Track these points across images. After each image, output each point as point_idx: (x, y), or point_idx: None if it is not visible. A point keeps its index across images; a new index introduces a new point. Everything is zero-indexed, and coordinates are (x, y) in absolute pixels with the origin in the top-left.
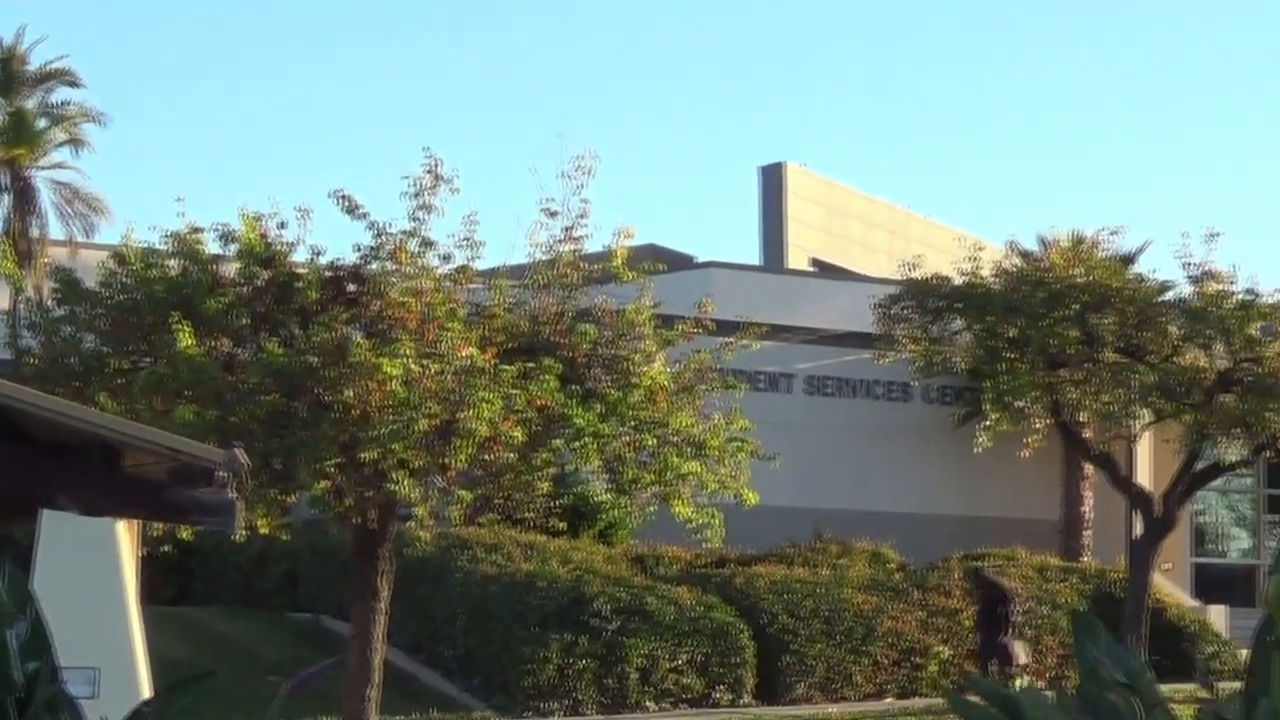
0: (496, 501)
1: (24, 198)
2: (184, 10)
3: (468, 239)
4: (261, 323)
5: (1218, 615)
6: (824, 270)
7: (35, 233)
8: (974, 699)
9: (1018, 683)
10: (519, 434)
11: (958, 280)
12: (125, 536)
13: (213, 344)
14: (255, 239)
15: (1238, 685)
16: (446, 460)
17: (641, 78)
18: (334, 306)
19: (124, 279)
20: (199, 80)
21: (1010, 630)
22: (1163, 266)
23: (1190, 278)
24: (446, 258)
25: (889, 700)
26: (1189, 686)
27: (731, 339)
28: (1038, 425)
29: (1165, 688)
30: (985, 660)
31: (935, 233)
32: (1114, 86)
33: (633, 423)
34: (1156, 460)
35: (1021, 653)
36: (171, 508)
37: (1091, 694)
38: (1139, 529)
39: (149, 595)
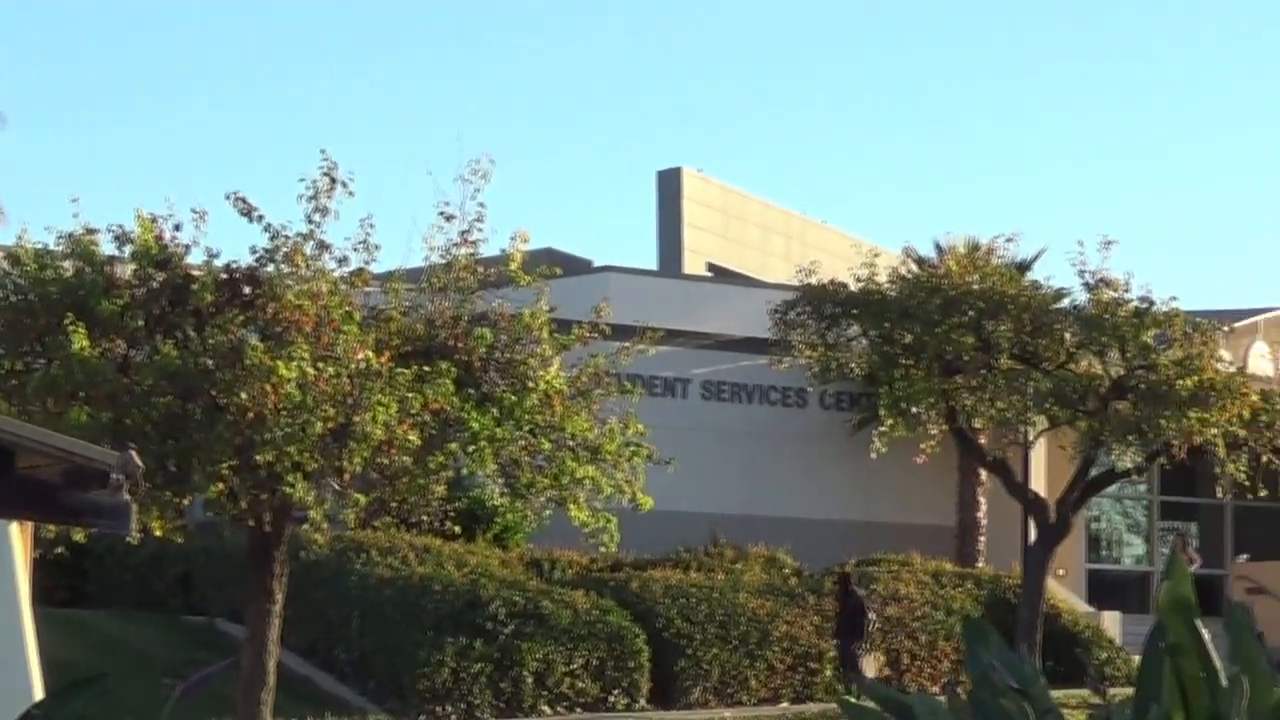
0: (392, 505)
1: None
2: (76, 11)
3: (364, 242)
4: (156, 325)
5: (1111, 621)
6: (721, 276)
7: None
8: (867, 704)
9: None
10: (414, 437)
11: (854, 286)
12: (18, 538)
13: (107, 346)
14: (151, 241)
15: (1130, 691)
16: (342, 463)
17: (540, 81)
18: (229, 309)
19: (17, 280)
20: (95, 81)
21: (865, 643)
22: (1058, 274)
23: (1085, 285)
24: (342, 261)
25: (784, 705)
26: (1082, 692)
27: (628, 344)
28: (933, 431)
29: (1058, 693)
30: (846, 668)
31: (832, 239)
32: (1008, 93)
33: (528, 427)
34: (1051, 467)
35: (869, 667)
36: (65, 509)
37: (984, 700)
38: (1034, 535)
39: (42, 597)
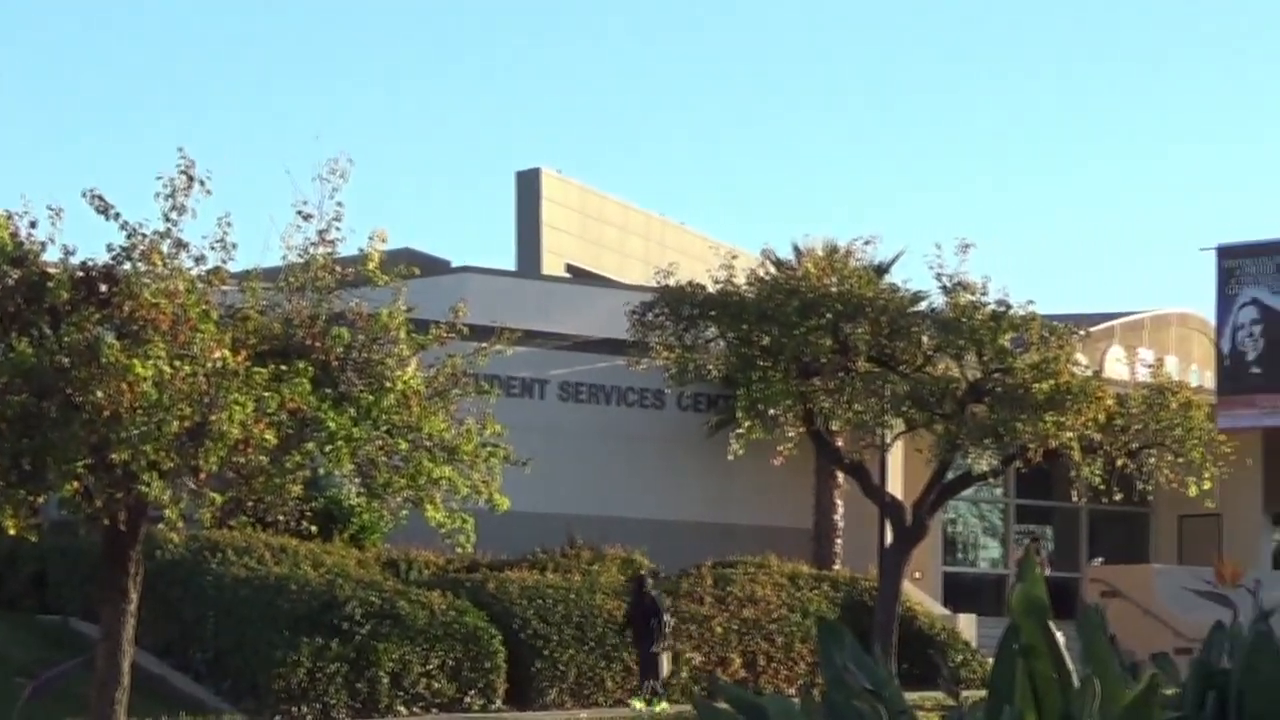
0: (248, 504)
1: None
2: None
3: (221, 240)
4: (11, 322)
5: (967, 624)
6: (579, 277)
7: None
8: (722, 705)
9: (648, 705)
10: (271, 437)
11: (712, 288)
12: None
13: None
14: (5, 238)
15: (984, 693)
16: (198, 462)
17: (400, 81)
18: (86, 307)
19: None
20: None
21: (661, 643)
22: (916, 277)
23: (943, 289)
24: (200, 259)
25: (639, 705)
26: (937, 694)
27: (485, 344)
28: (790, 434)
29: (914, 695)
30: (644, 672)
31: (690, 240)
32: (866, 95)
33: (386, 427)
34: (908, 469)
35: (665, 666)
36: None
37: (838, 701)
38: (890, 538)
39: None
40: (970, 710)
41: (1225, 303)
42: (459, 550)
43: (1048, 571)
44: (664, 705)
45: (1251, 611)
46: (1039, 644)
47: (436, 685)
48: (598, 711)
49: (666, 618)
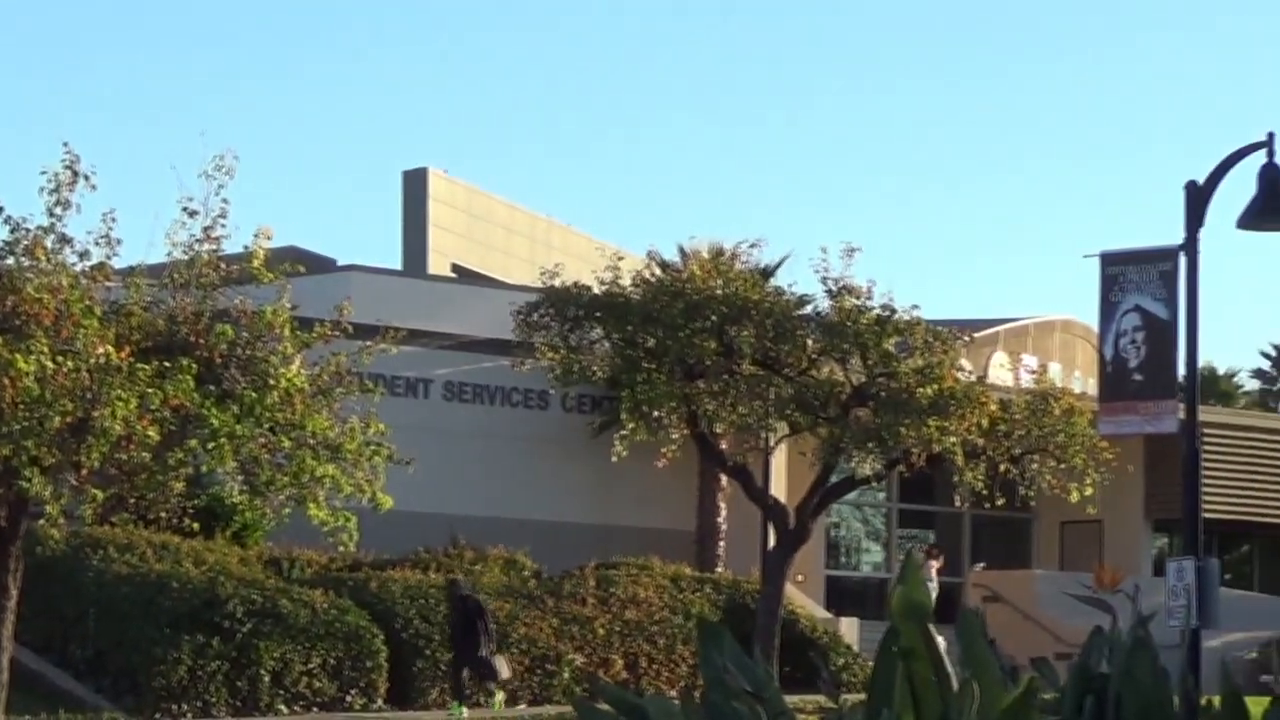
0: (130, 501)
1: None
2: None
3: (106, 236)
4: None
5: (849, 627)
6: (465, 276)
7: None
8: (602, 706)
9: (499, 697)
10: (154, 433)
11: (597, 289)
12: None
13: None
14: None
15: (864, 695)
16: (80, 458)
17: (287, 78)
18: None
19: None
20: None
21: (490, 644)
22: (802, 280)
23: (828, 292)
24: (84, 255)
25: (521, 706)
26: (820, 697)
27: (370, 343)
28: (675, 435)
29: (796, 698)
30: (458, 673)
31: (576, 241)
32: (755, 99)
33: (269, 424)
34: (791, 473)
35: (503, 667)
36: None
37: (717, 702)
38: (773, 541)
39: None
40: (849, 712)
41: (1108, 309)
42: (341, 549)
43: (932, 577)
44: (462, 710)
45: (1131, 617)
46: (918, 647)
47: (318, 684)
48: (479, 712)
49: (490, 620)
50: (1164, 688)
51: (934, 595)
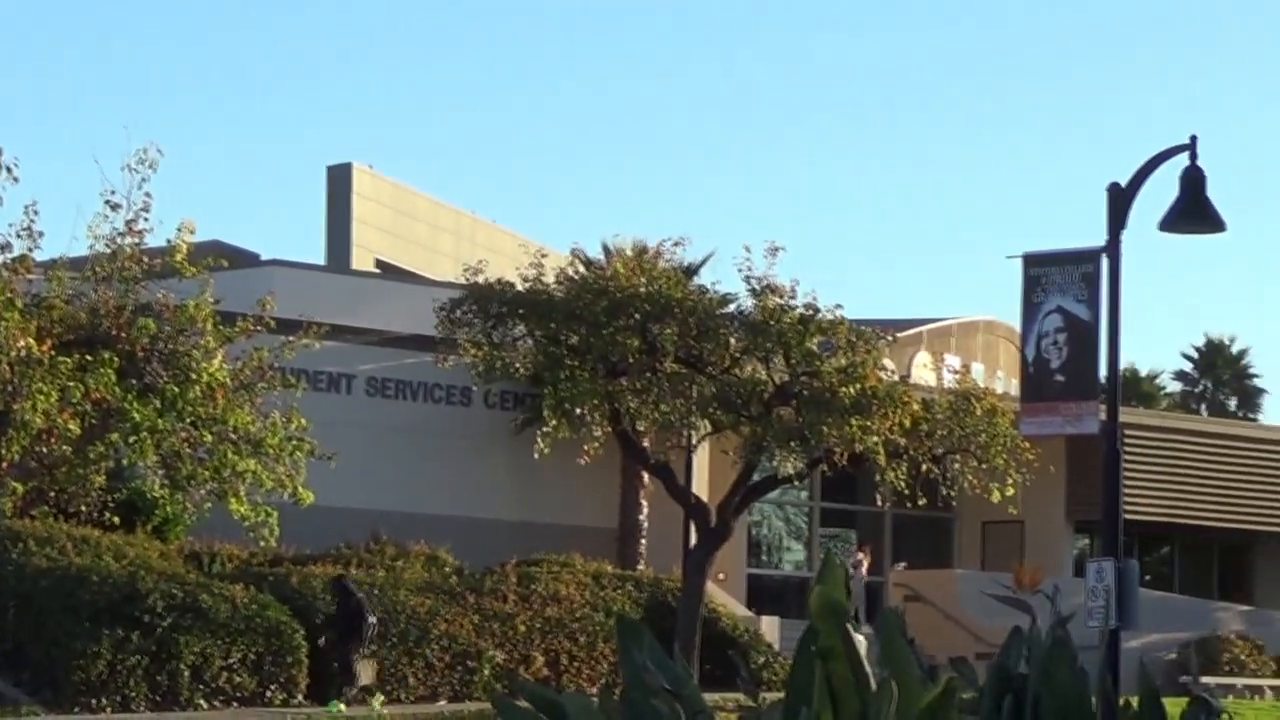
0: (50, 494)
1: None
2: None
3: (28, 229)
4: None
5: (770, 626)
6: (389, 272)
7: None
8: (522, 704)
9: (377, 702)
10: (75, 427)
11: (521, 286)
12: None
13: None
14: None
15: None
16: (0, 451)
17: (211, 72)
18: None
19: None
20: None
21: (362, 648)
22: (725, 279)
23: (752, 291)
24: (4, 247)
25: (442, 703)
26: (740, 695)
27: (293, 338)
28: (597, 433)
29: (716, 696)
30: (345, 673)
31: (501, 238)
32: (681, 97)
33: (190, 419)
34: (714, 471)
35: (365, 674)
36: None
37: (636, 700)
38: (694, 539)
39: None
40: (768, 711)
41: (1030, 311)
42: (262, 544)
43: (862, 575)
44: (340, 705)
45: (1050, 617)
46: (837, 646)
47: (238, 679)
48: (399, 708)
49: (371, 619)
50: (1082, 688)
51: (861, 590)
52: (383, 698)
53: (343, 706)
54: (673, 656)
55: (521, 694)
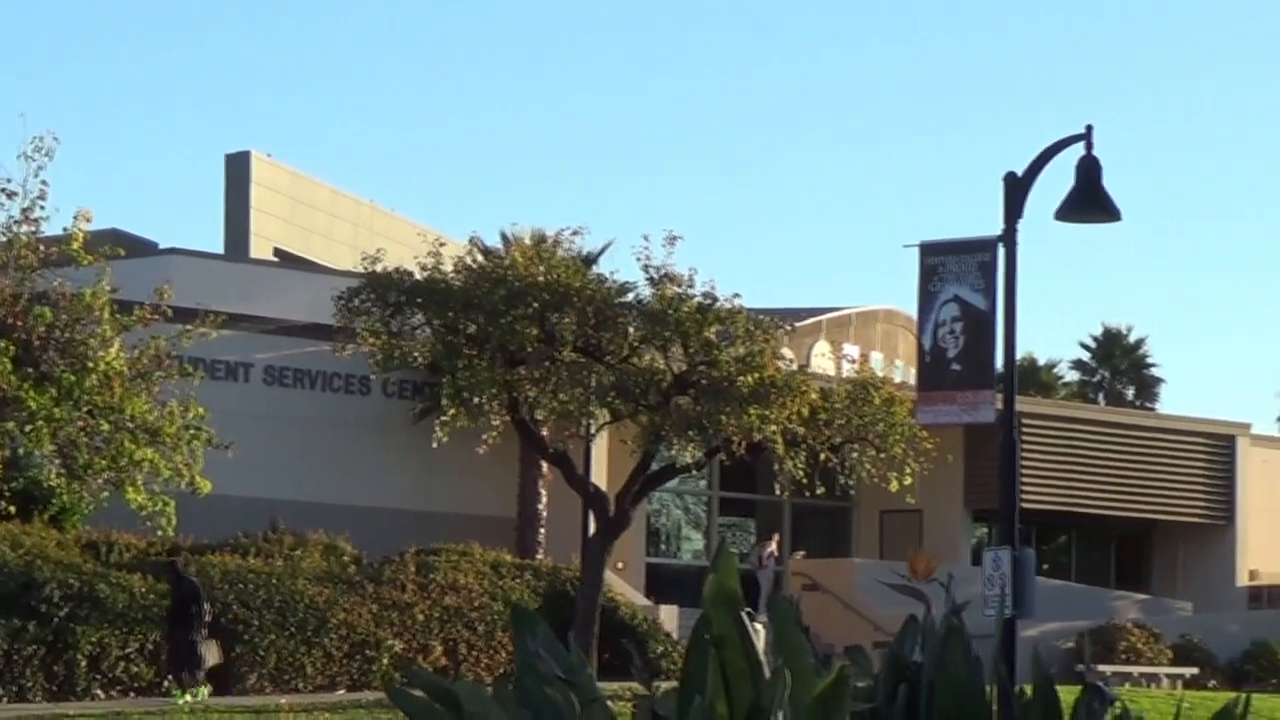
0: None
1: None
2: None
3: None
4: None
5: (669, 615)
6: (287, 261)
7: None
8: (416, 693)
9: (204, 690)
10: None
11: (420, 275)
12: None
13: None
14: None
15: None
16: None
17: (109, 59)
18: None
19: None
20: None
21: (202, 630)
22: (624, 268)
23: (650, 280)
24: None
25: (340, 692)
26: (638, 684)
27: (190, 326)
28: (495, 422)
29: (614, 685)
30: (177, 658)
31: (399, 227)
32: (578, 85)
33: (87, 407)
34: (612, 460)
35: (210, 655)
36: None
37: (529, 688)
38: (593, 528)
39: None
40: (662, 699)
41: (927, 300)
42: (160, 533)
43: (773, 565)
44: (205, 690)
45: (946, 605)
46: (730, 634)
47: (135, 669)
48: (298, 697)
49: (205, 605)
50: (976, 676)
51: (774, 577)
52: (209, 687)
53: (188, 697)
54: (567, 645)
55: (415, 683)
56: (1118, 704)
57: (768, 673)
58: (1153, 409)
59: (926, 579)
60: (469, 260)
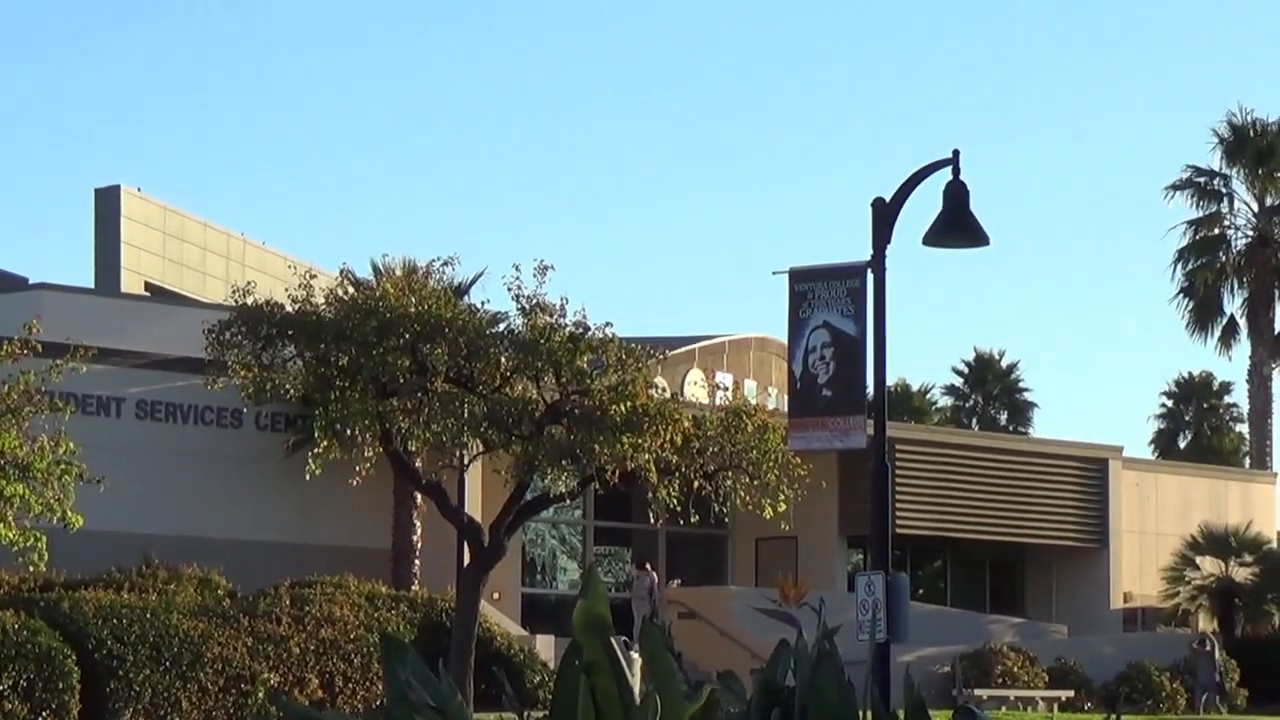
0: None
1: None
2: None
3: None
4: None
5: (545, 644)
6: (159, 295)
7: None
8: None
9: None
10: None
11: (290, 307)
12: None
13: None
14: None
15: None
16: None
17: None
18: None
19: None
20: None
21: None
22: (496, 298)
23: (521, 310)
24: None
25: None
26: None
27: (60, 361)
28: (369, 454)
29: (492, 716)
30: None
31: (271, 260)
32: (448, 116)
33: None
34: (486, 490)
35: None
36: None
37: (399, 717)
38: (468, 558)
39: None
40: None
41: (797, 326)
42: (32, 569)
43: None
44: None
45: (818, 630)
46: (600, 660)
47: (9, 706)
48: None
49: None
50: (849, 700)
51: (658, 604)
52: None
53: None
54: (439, 674)
55: (288, 716)
56: None
57: (638, 699)
58: (1026, 433)
59: (798, 603)
60: (340, 292)
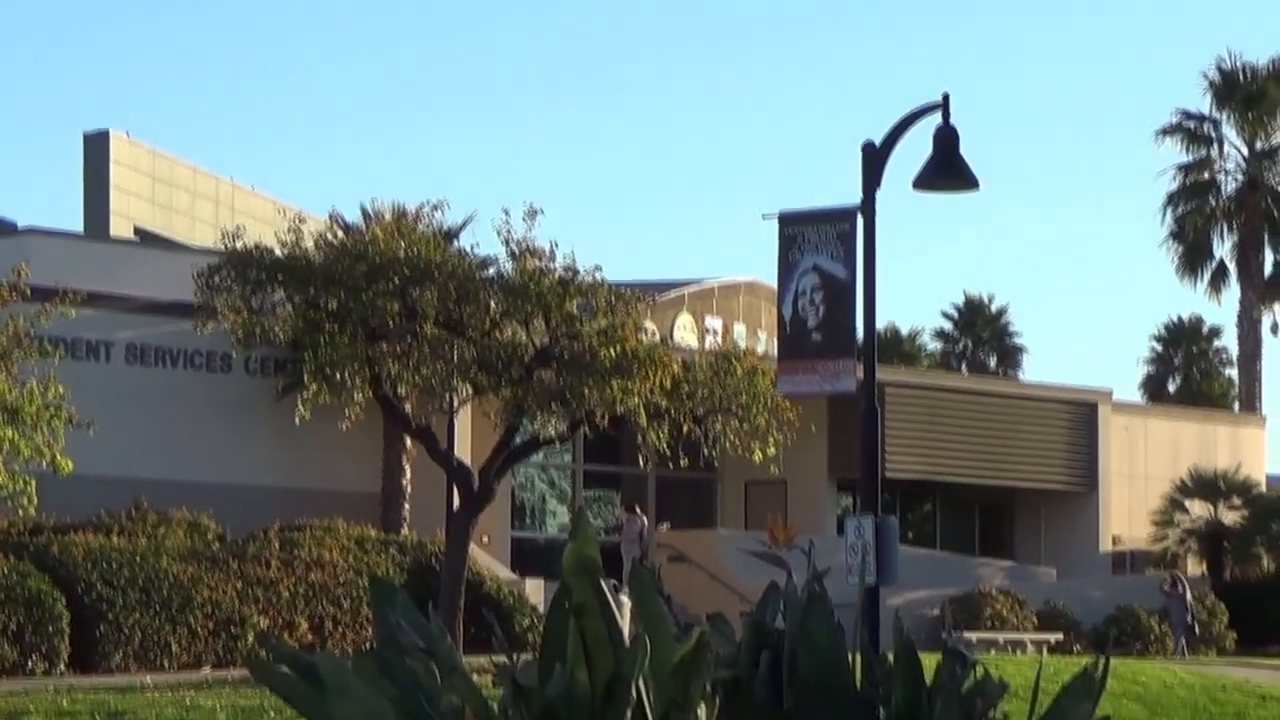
0: None
1: None
2: None
3: None
4: None
5: (534, 588)
6: (148, 240)
7: None
8: (280, 668)
9: None
10: None
11: (279, 252)
12: None
13: None
14: None
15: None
16: None
17: None
18: None
19: None
20: None
21: None
22: (485, 242)
23: (511, 254)
24: None
25: (206, 670)
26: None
27: (49, 305)
28: (358, 398)
29: (479, 659)
30: None
31: (260, 204)
32: (435, 55)
33: None
34: (476, 434)
35: None
36: None
37: (389, 659)
38: (457, 502)
39: None
40: (523, 669)
41: (787, 270)
42: (21, 513)
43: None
44: None
45: (807, 572)
46: (590, 602)
47: None
48: (163, 676)
49: None
50: (839, 643)
51: (648, 548)
52: None
53: None
54: (428, 617)
55: (277, 658)
56: (979, 667)
57: (627, 641)
58: (1015, 377)
59: (787, 546)
60: (329, 236)
